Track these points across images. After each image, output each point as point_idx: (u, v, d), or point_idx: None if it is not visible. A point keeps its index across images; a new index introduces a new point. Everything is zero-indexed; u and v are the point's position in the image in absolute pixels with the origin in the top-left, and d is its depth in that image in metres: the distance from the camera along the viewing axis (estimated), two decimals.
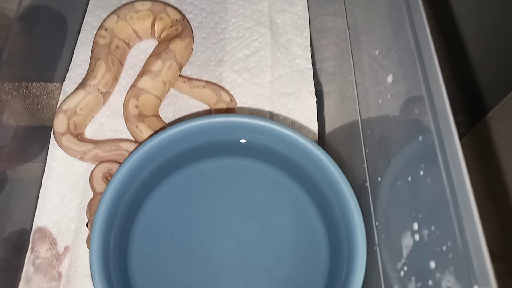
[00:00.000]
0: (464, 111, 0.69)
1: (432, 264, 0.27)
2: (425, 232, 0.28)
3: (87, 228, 0.43)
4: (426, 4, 0.32)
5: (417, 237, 0.29)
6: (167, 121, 0.50)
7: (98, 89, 0.48)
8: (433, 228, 0.27)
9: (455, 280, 0.24)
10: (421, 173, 0.28)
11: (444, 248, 0.25)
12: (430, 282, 0.27)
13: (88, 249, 0.41)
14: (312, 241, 0.41)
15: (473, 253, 0.23)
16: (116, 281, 0.35)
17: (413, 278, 0.29)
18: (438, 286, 0.26)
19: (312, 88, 0.54)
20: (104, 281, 0.33)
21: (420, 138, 0.29)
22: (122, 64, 0.52)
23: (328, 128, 0.51)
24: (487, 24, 0.61)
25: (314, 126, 0.52)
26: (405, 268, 0.30)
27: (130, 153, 0.37)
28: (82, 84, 0.48)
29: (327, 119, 0.52)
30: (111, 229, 0.36)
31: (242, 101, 0.52)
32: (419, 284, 0.28)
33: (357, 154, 0.40)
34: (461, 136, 0.27)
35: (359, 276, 0.34)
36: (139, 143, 0.44)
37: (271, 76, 0.54)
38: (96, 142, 0.46)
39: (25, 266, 0.43)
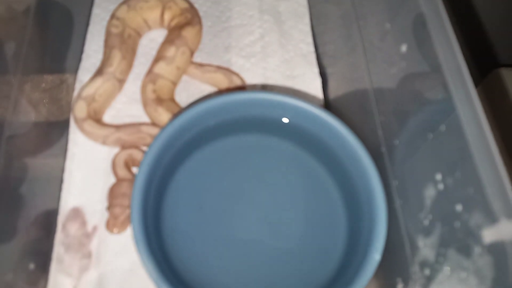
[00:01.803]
0: (474, 65, 0.74)
1: (459, 207, 0.29)
2: (449, 180, 0.30)
3: (114, 213, 0.45)
4: None
5: (441, 186, 0.31)
6: (181, 105, 0.52)
7: (115, 76, 0.50)
8: (457, 174, 0.30)
9: (484, 217, 0.27)
10: (441, 127, 0.31)
11: (471, 190, 0.28)
12: (458, 224, 0.29)
13: (109, 231, 0.43)
14: (331, 210, 0.43)
15: (497, 189, 0.26)
16: (157, 250, 0.37)
17: (438, 224, 0.32)
18: (466, 225, 0.29)
19: (316, 70, 0.57)
20: (149, 251, 0.35)
21: (439, 97, 0.31)
22: (134, 52, 0.54)
23: (334, 105, 0.54)
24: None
25: (320, 105, 0.54)
26: (430, 216, 0.33)
27: (163, 128, 0.39)
28: (99, 72, 0.50)
29: (332, 97, 0.55)
30: (147, 203, 0.37)
31: (251, 84, 0.55)
32: (446, 228, 0.31)
33: (370, 123, 0.43)
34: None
35: (382, 234, 0.37)
36: (160, 126, 0.45)
37: (277, 60, 0.57)
38: (117, 126, 0.48)
39: (55, 247, 0.44)
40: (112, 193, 0.45)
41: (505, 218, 0.26)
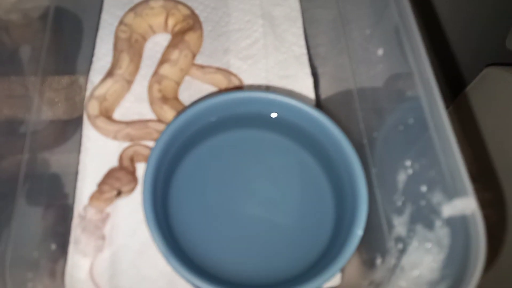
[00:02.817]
0: (445, 85, 0.79)
1: (424, 188, 0.34)
2: (416, 165, 0.36)
3: (102, 189, 0.47)
4: None
5: (410, 171, 0.37)
6: (184, 104, 0.57)
7: (124, 78, 0.55)
8: (423, 160, 0.35)
9: (443, 196, 0.32)
10: (410, 121, 0.36)
11: (433, 173, 0.33)
12: (423, 203, 0.35)
13: (90, 203, 0.47)
14: (319, 191, 0.48)
15: (454, 170, 0.31)
16: (165, 228, 0.42)
17: (408, 204, 0.37)
18: (429, 203, 0.34)
19: (308, 70, 0.62)
20: (158, 230, 0.40)
21: (410, 95, 0.37)
22: (141, 55, 0.59)
23: (324, 102, 0.59)
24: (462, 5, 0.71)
25: (311, 102, 0.60)
26: (402, 197, 0.38)
27: (170, 122, 0.44)
28: (110, 74, 0.55)
29: (322, 95, 0.60)
30: (156, 188, 0.42)
31: (248, 84, 0.60)
32: (414, 207, 0.36)
33: (353, 119, 0.48)
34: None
35: (364, 213, 0.42)
36: (163, 123, 0.50)
37: (271, 61, 0.62)
38: (127, 122, 0.53)
39: (72, 230, 0.49)
40: (108, 174, 0.49)
41: (459, 196, 0.31)
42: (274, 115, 0.49)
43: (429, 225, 0.34)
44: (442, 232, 0.32)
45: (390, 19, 0.40)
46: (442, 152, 0.33)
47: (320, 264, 0.44)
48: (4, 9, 0.49)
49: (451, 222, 0.32)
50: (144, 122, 0.53)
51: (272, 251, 0.46)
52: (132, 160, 0.52)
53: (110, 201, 0.47)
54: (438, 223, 0.33)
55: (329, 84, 0.59)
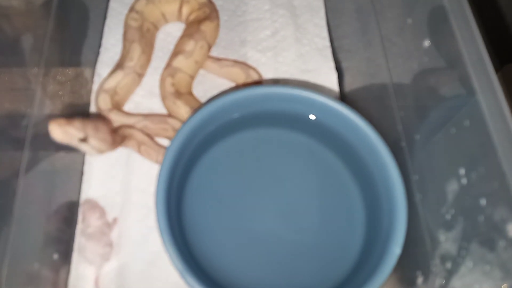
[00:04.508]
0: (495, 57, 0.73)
1: (483, 201, 0.30)
2: (473, 174, 0.31)
3: (74, 120, 0.40)
4: None
5: (464, 180, 0.32)
6: (198, 99, 0.52)
7: (135, 71, 0.50)
8: (481, 169, 0.30)
9: (508, 211, 0.28)
10: (464, 122, 0.32)
11: (495, 184, 0.29)
12: (481, 218, 0.30)
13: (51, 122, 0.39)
14: (348, 203, 0.43)
15: None
16: (180, 241, 0.37)
17: (461, 218, 0.32)
18: (490, 220, 0.29)
19: (332, 64, 0.57)
20: (173, 241, 0.35)
21: (461, 91, 0.32)
22: (152, 46, 0.54)
23: (350, 99, 0.54)
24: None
25: (336, 98, 0.55)
26: (452, 210, 0.33)
27: (187, 120, 0.40)
28: (120, 66, 0.50)
29: (348, 92, 0.55)
30: (170, 195, 0.38)
31: (267, 78, 0.55)
32: (469, 222, 0.31)
33: (389, 118, 0.43)
34: None
35: (402, 228, 0.37)
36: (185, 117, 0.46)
37: (292, 54, 0.57)
38: (144, 115, 0.48)
39: (76, 237, 0.45)
40: (95, 119, 0.43)
41: None
42: (308, 115, 0.44)
43: (489, 245, 0.29)
44: (507, 254, 0.28)
45: (433, 3, 0.35)
46: (506, 159, 0.28)
47: (349, 284, 0.39)
48: None
49: None
50: (163, 116, 0.49)
51: (294, 267, 0.41)
52: (122, 137, 0.47)
53: (69, 135, 0.39)
54: (501, 244, 0.28)
55: (355, 79, 0.54)
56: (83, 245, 0.44)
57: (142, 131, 0.48)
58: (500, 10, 0.71)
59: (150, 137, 0.48)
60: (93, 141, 0.41)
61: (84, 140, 0.41)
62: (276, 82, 0.55)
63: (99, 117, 0.45)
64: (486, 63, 0.31)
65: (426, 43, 0.37)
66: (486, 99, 0.30)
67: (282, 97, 0.43)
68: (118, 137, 0.46)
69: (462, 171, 0.32)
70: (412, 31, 0.39)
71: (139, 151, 0.48)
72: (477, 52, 0.32)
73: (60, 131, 0.39)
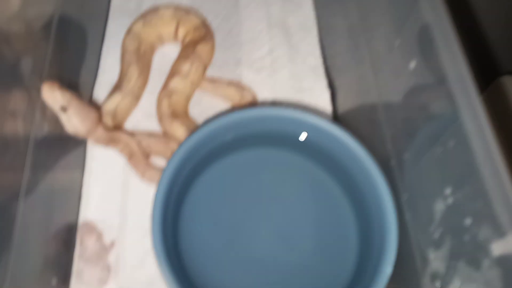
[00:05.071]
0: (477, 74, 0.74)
1: (468, 221, 0.30)
2: (459, 194, 0.32)
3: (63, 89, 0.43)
4: None
5: (450, 200, 0.33)
6: (194, 120, 0.53)
7: (133, 92, 0.51)
8: (466, 188, 0.31)
9: (492, 231, 0.28)
10: (449, 141, 0.32)
11: (479, 204, 0.29)
12: (467, 237, 0.31)
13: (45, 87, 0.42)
14: (341, 222, 0.44)
15: (506, 201, 0.27)
16: (176, 264, 0.38)
17: (448, 237, 0.33)
18: (475, 239, 0.30)
19: (325, 82, 0.58)
20: (169, 264, 0.36)
21: (446, 111, 0.33)
22: (149, 68, 0.56)
23: (343, 117, 0.55)
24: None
25: (329, 118, 0.56)
26: (440, 229, 0.34)
27: (182, 143, 0.41)
28: (118, 88, 0.51)
29: (341, 109, 0.56)
30: (166, 218, 0.39)
31: (262, 98, 0.56)
32: (455, 241, 0.32)
33: (378, 136, 0.44)
34: None
35: (393, 247, 0.38)
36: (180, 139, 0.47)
37: (286, 73, 0.58)
38: (148, 133, 0.50)
39: (75, 261, 0.46)
40: (85, 102, 0.45)
41: None
42: (298, 135, 0.45)
43: (475, 264, 0.30)
44: (491, 273, 0.28)
45: (420, 24, 0.36)
46: (490, 179, 0.29)
47: None
48: (6, 18, 0.46)
49: (503, 262, 0.28)
50: (166, 138, 0.50)
51: (289, 286, 0.42)
52: (113, 139, 0.48)
53: (53, 99, 0.42)
54: (486, 262, 0.29)
55: (348, 97, 0.55)
56: (81, 269, 0.44)
57: (139, 144, 0.49)
58: (481, 26, 0.72)
59: (145, 153, 0.49)
60: (71, 115, 0.43)
61: (64, 110, 0.43)
62: (271, 101, 0.56)
63: (92, 105, 0.46)
64: (469, 85, 0.32)
65: (413, 63, 0.38)
66: (469, 120, 0.31)
67: (274, 118, 0.44)
68: (104, 133, 0.46)
69: (448, 191, 0.33)
70: (399, 50, 0.40)
71: (129, 160, 0.49)
72: (461, 73, 0.32)
73: (49, 92, 0.42)
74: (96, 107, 0.48)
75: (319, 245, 0.43)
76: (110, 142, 0.48)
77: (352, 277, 0.41)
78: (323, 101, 0.57)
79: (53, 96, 0.42)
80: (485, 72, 0.74)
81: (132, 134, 0.49)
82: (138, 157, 0.49)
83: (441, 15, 0.35)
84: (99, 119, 0.47)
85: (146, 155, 0.50)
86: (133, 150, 0.49)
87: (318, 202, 0.45)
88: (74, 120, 0.44)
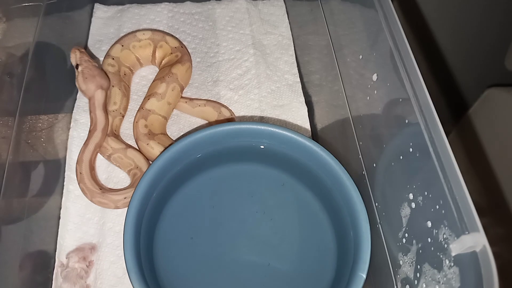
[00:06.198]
0: (446, 109, 0.76)
1: (429, 224, 0.31)
2: (420, 198, 0.32)
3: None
4: (402, 14, 0.37)
5: (413, 205, 0.33)
6: (173, 139, 0.54)
7: (120, 113, 0.53)
8: (426, 193, 0.31)
9: (449, 231, 0.29)
10: (410, 150, 0.33)
11: (437, 207, 0.30)
12: (429, 240, 0.31)
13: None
14: (319, 230, 0.45)
15: (461, 204, 0.28)
16: (151, 281, 0.38)
17: (414, 241, 0.33)
18: (436, 241, 0.30)
19: (302, 99, 0.59)
20: (141, 279, 0.36)
21: (407, 122, 0.33)
22: (129, 89, 0.57)
23: (320, 132, 0.56)
24: (464, 27, 0.69)
25: (307, 133, 0.57)
26: (406, 235, 0.34)
27: (151, 164, 0.41)
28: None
29: (318, 124, 0.57)
30: (139, 236, 0.39)
31: (240, 116, 0.57)
32: (420, 244, 0.32)
33: (351, 148, 0.45)
34: (447, 133, 0.32)
35: (366, 253, 0.38)
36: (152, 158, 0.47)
37: (264, 91, 0.59)
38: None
39: (54, 280, 0.46)
40: (100, 70, 0.52)
41: (467, 232, 0.27)
42: (263, 146, 0.46)
43: (437, 265, 0.30)
44: (451, 272, 0.29)
45: (384, 43, 0.37)
46: (446, 183, 0.29)
47: None
48: None
49: (460, 261, 0.28)
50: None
51: None
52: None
53: (73, 57, 0.52)
54: (446, 262, 0.29)
55: (324, 112, 0.56)
56: (59, 287, 0.44)
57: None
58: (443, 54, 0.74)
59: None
60: (79, 73, 0.51)
61: (76, 67, 0.52)
62: (249, 118, 0.57)
63: (106, 75, 0.53)
64: (424, 95, 0.32)
65: (375, 77, 0.39)
66: (426, 127, 0.31)
67: (239, 132, 0.44)
68: (103, 98, 0.51)
69: (411, 196, 0.33)
70: (363, 66, 0.41)
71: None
72: (417, 86, 0.33)
73: (72, 52, 0.52)
74: (105, 75, 0.53)
75: (299, 255, 0.43)
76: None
77: (333, 283, 0.41)
78: (301, 117, 0.58)
79: (74, 55, 0.52)
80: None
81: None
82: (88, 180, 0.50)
83: (403, 43, 0.36)
84: (105, 86, 0.51)
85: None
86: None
87: (297, 214, 0.45)
88: (79, 77, 0.51)
